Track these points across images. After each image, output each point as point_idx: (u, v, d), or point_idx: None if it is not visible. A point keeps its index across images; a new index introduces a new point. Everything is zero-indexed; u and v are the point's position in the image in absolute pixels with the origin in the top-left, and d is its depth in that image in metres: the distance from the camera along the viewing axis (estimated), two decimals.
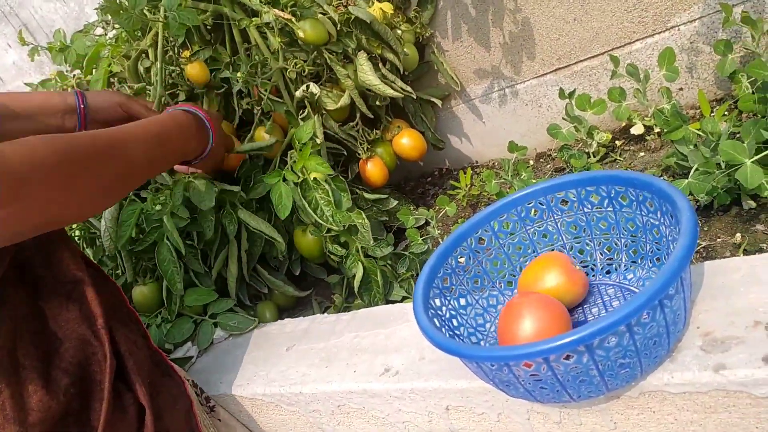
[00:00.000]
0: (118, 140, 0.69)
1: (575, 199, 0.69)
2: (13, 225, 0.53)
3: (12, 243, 0.54)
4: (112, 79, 1.22)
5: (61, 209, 0.59)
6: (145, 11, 1.01)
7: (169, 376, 0.80)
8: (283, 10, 0.99)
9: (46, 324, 0.67)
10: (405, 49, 1.09)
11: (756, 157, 0.74)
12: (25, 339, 0.63)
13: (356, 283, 0.98)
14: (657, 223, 0.61)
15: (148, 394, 0.72)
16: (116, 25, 1.20)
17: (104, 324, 0.71)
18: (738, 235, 0.79)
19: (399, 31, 1.12)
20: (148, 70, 1.15)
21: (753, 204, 0.81)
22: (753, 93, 0.86)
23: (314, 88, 1.01)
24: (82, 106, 0.89)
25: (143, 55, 1.15)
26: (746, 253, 0.76)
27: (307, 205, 0.99)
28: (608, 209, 0.67)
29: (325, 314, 1.00)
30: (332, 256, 1.05)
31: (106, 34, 1.29)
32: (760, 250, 0.76)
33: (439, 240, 1.08)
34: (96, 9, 0.99)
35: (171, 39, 1.10)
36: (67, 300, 0.69)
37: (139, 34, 1.15)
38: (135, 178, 0.73)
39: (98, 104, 0.91)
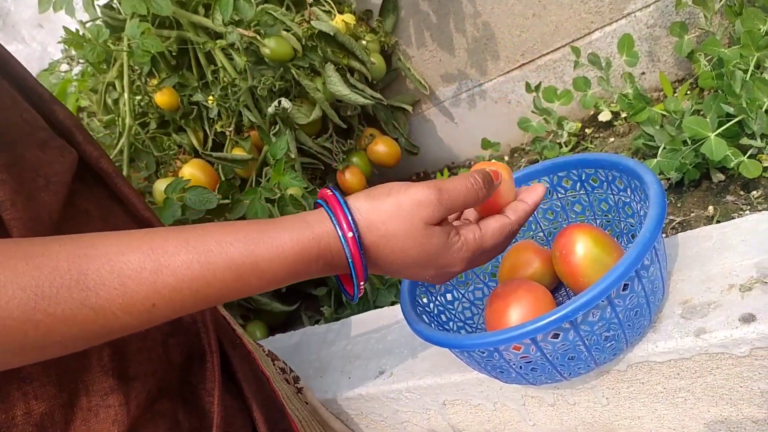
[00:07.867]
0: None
1: (548, 186, 0.71)
2: None
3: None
4: (81, 114, 1.22)
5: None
6: (108, 43, 1.01)
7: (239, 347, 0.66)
8: (246, 29, 1.00)
9: None
10: (371, 59, 1.11)
11: (719, 131, 0.76)
12: None
13: None
14: (628, 200, 0.63)
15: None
16: (81, 60, 1.20)
17: None
18: (710, 207, 0.81)
19: (364, 42, 1.14)
20: (116, 101, 1.15)
21: (722, 177, 0.83)
22: (711, 70, 0.88)
23: (286, 102, 1.02)
24: None
25: (110, 87, 1.15)
26: (719, 223, 0.77)
27: None
28: (581, 192, 0.69)
29: (316, 326, 1.00)
30: None
31: (71, 70, 1.30)
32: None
33: None
34: (59, 41, 0.98)
35: (137, 68, 1.10)
36: None
37: (105, 67, 1.15)
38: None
39: None
